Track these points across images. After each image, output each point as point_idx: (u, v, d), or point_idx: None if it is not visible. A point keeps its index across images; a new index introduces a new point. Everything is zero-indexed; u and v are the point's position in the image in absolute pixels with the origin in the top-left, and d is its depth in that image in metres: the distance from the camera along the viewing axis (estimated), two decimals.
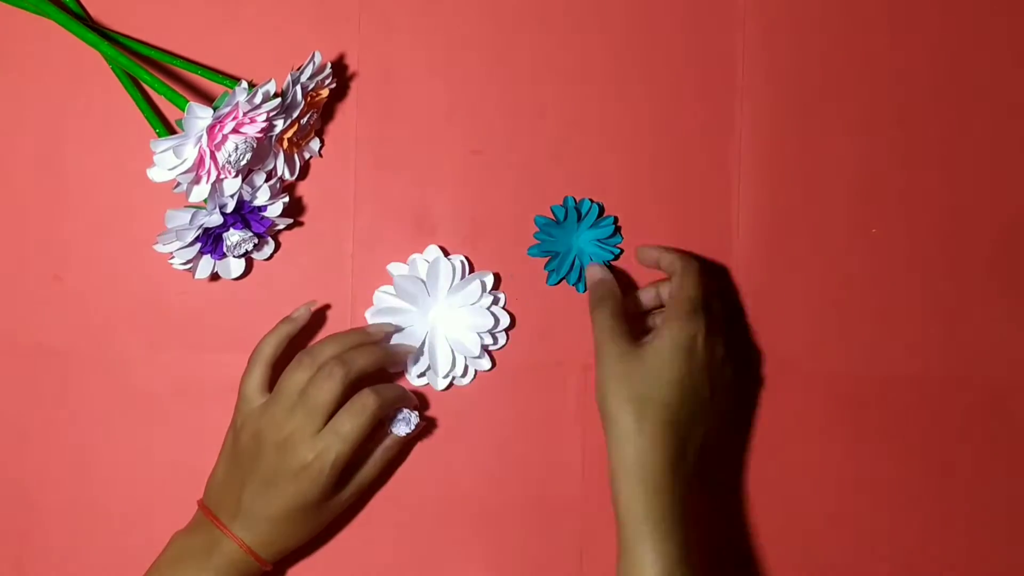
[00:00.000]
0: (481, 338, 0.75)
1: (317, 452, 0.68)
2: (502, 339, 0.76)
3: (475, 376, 0.76)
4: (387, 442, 0.73)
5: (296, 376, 0.70)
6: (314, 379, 0.69)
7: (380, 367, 0.72)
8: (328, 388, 0.69)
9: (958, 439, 0.77)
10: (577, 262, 0.75)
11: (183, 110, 0.65)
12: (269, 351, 0.72)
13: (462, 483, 0.76)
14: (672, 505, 0.65)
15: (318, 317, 0.76)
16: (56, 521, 0.76)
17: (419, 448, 0.76)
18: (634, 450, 0.66)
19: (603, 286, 0.73)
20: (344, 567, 0.76)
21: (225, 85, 0.71)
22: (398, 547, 0.76)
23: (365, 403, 0.69)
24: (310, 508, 0.69)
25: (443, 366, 0.74)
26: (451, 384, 0.75)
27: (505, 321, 0.75)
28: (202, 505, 0.71)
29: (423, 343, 0.74)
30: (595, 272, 0.74)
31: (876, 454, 0.77)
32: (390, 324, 0.74)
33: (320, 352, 0.71)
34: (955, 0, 0.78)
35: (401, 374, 0.75)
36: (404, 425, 0.72)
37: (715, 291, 0.73)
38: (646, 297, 0.75)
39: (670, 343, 0.67)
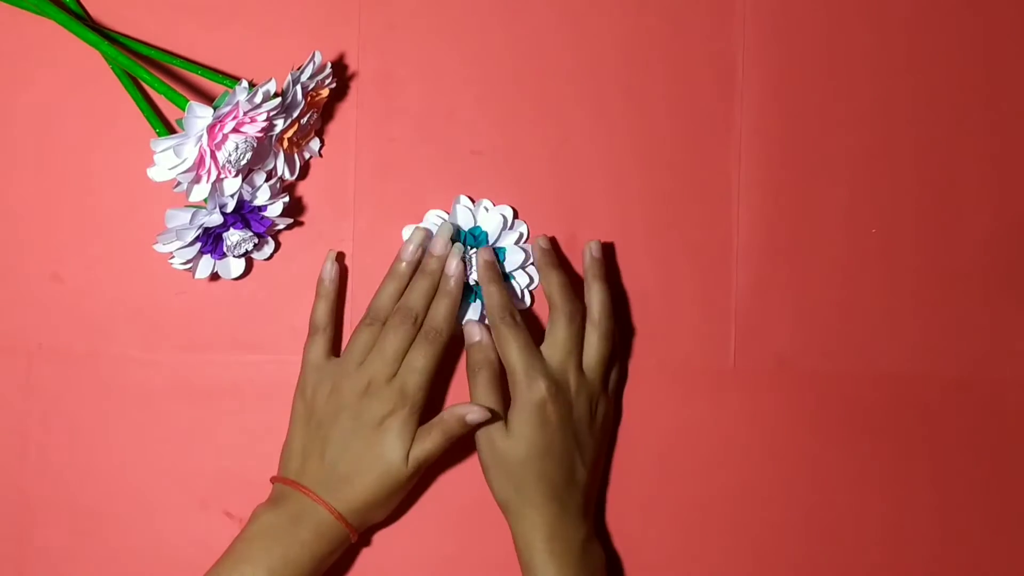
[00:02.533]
0: (516, 279, 0.75)
1: (397, 393, 0.69)
2: (536, 276, 0.76)
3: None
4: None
5: (362, 335, 0.71)
6: (383, 332, 0.70)
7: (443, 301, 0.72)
8: (398, 335, 0.70)
9: (958, 439, 0.77)
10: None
11: (183, 110, 0.65)
12: (322, 316, 0.73)
13: (460, 484, 0.76)
14: (581, 558, 0.70)
15: None
16: (55, 521, 0.75)
17: None
18: (530, 525, 0.69)
19: (480, 351, 0.72)
20: (345, 568, 0.75)
21: (225, 85, 0.71)
22: (398, 546, 0.76)
23: (432, 330, 0.70)
24: (396, 461, 0.69)
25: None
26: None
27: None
28: (279, 479, 0.71)
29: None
30: (472, 332, 0.73)
31: (875, 453, 0.77)
32: (436, 232, 0.74)
33: (380, 306, 0.72)
34: (955, 0, 0.78)
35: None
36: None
37: (576, 331, 0.72)
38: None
39: (520, 424, 0.69)
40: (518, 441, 0.69)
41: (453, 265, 0.72)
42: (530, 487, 0.69)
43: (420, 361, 0.70)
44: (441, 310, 0.71)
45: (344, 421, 0.69)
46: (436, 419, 0.70)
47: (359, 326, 0.72)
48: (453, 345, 0.73)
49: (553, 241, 0.75)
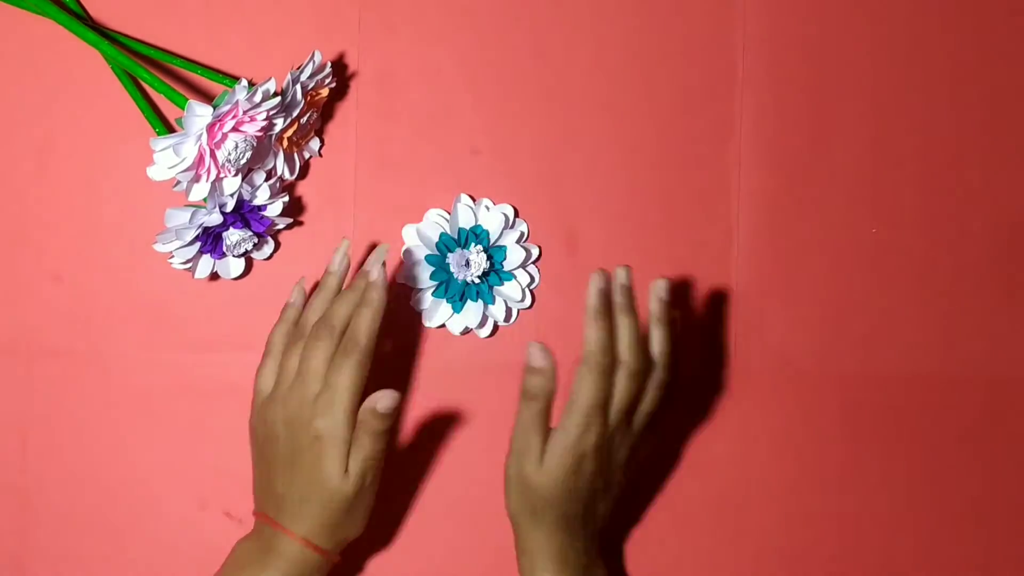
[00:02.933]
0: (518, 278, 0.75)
1: (321, 412, 0.66)
2: (537, 276, 0.76)
3: (517, 316, 0.76)
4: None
5: (292, 357, 0.69)
6: (304, 349, 0.68)
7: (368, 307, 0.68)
8: (317, 352, 0.67)
9: (959, 438, 0.77)
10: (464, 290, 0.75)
11: (183, 109, 0.65)
12: (277, 341, 0.71)
13: (460, 483, 0.76)
14: None
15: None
16: (56, 520, 0.75)
17: (418, 447, 0.76)
18: (538, 546, 0.68)
19: (540, 378, 0.66)
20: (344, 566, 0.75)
21: (225, 84, 0.71)
22: (400, 547, 0.76)
23: (352, 341, 0.66)
24: (336, 481, 0.66)
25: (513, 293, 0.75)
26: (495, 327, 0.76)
27: (535, 252, 0.75)
28: (254, 511, 0.70)
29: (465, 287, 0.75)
30: (536, 357, 0.66)
31: (875, 453, 0.77)
32: (374, 255, 0.70)
33: (305, 323, 0.70)
34: None
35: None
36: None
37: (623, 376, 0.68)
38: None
39: (557, 465, 0.66)
40: (549, 478, 0.66)
41: (375, 272, 0.68)
42: (547, 516, 0.67)
43: (341, 379, 0.66)
44: (361, 323, 0.66)
45: (281, 450, 0.68)
46: (357, 424, 0.66)
47: (288, 348, 0.69)
48: (390, 357, 0.72)
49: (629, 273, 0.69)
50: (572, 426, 0.66)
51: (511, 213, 0.75)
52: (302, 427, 0.67)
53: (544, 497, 0.67)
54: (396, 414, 0.66)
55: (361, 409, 0.66)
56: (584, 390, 0.65)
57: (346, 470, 0.67)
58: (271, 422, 0.68)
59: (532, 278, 0.76)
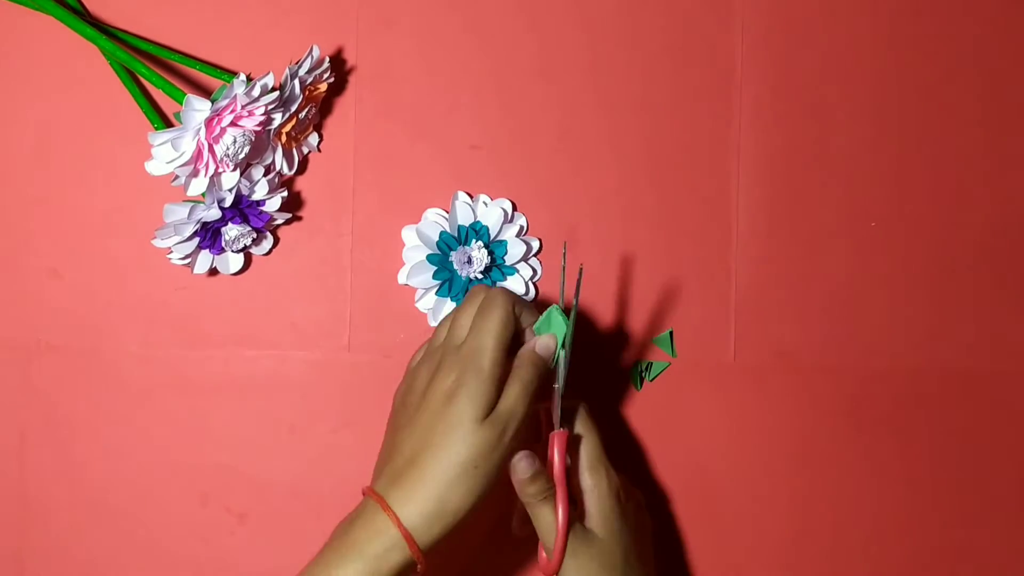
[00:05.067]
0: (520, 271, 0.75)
1: (465, 358, 0.63)
2: (539, 268, 0.76)
3: None
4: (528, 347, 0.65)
5: (439, 333, 0.67)
6: (453, 312, 0.67)
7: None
8: (464, 313, 0.65)
9: (958, 431, 0.77)
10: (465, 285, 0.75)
11: (181, 104, 0.65)
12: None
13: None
14: None
15: (315, 314, 0.76)
16: (55, 517, 0.75)
17: None
18: None
19: (534, 485, 0.65)
20: None
21: (223, 79, 0.71)
22: None
23: (493, 297, 0.65)
24: (467, 423, 0.61)
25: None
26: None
27: (536, 245, 0.75)
28: (364, 488, 0.64)
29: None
30: (523, 467, 0.65)
31: (875, 447, 0.77)
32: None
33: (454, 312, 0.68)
34: None
35: None
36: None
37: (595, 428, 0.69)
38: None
39: (611, 508, 0.66)
40: (606, 531, 0.66)
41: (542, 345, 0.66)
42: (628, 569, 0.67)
43: (490, 323, 0.63)
44: (500, 290, 0.66)
45: (411, 409, 0.64)
46: (512, 370, 0.64)
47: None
48: None
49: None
50: (601, 477, 0.67)
51: (510, 208, 0.75)
52: (439, 378, 0.63)
53: (611, 553, 0.66)
54: (551, 363, 0.65)
55: (517, 356, 0.64)
56: (590, 445, 0.68)
57: (480, 417, 0.62)
58: (412, 386, 0.65)
59: (534, 271, 0.76)
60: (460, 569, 0.75)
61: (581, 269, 0.66)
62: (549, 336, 0.65)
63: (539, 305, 0.76)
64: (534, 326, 0.66)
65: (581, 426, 0.68)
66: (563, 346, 0.65)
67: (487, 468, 0.62)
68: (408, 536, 0.60)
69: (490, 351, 0.63)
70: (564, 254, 0.68)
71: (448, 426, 0.61)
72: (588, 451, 0.68)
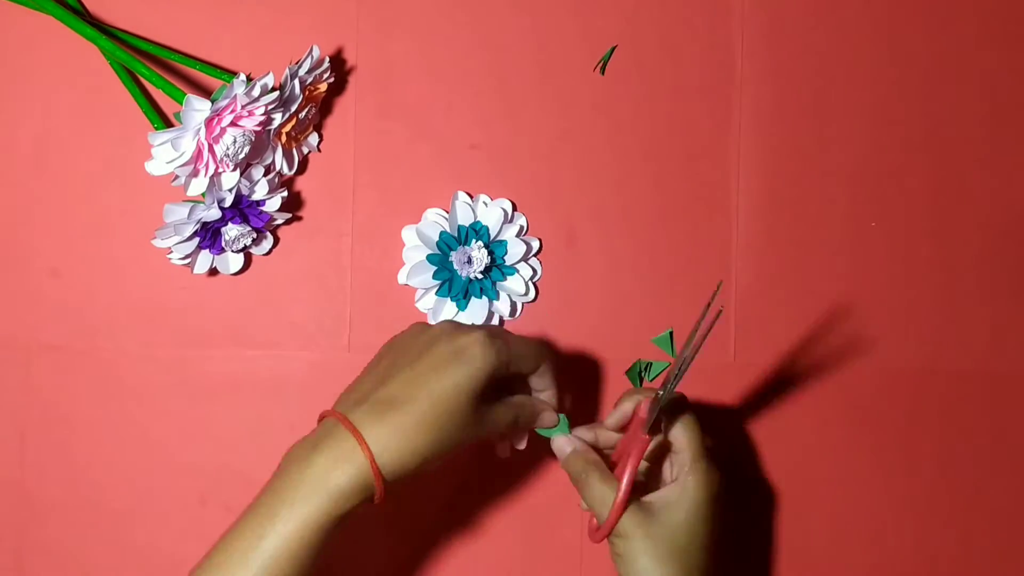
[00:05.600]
0: (520, 271, 0.75)
1: (490, 330, 0.63)
2: (539, 268, 0.76)
3: (522, 310, 0.76)
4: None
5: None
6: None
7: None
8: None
9: (959, 433, 0.77)
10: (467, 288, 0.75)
11: (181, 104, 0.65)
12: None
13: (478, 479, 0.76)
14: None
15: (315, 314, 0.76)
16: (55, 517, 0.75)
17: None
18: None
19: (578, 460, 0.66)
20: (340, 564, 0.75)
21: (223, 79, 0.71)
22: (397, 546, 0.76)
23: (537, 344, 0.66)
24: (461, 399, 0.61)
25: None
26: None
27: (536, 245, 0.75)
28: (324, 413, 0.63)
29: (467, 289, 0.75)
30: (563, 446, 0.66)
31: (876, 448, 0.77)
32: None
33: None
34: None
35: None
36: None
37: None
38: (612, 422, 0.68)
39: (703, 502, 0.64)
40: (689, 510, 0.64)
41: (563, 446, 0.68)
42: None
43: (531, 343, 0.65)
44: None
45: (415, 347, 0.63)
46: (516, 398, 0.65)
47: None
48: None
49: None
50: (705, 459, 0.65)
51: (509, 207, 0.75)
52: (461, 336, 0.62)
53: (687, 532, 0.64)
54: (524, 433, 0.68)
55: (533, 402, 0.66)
56: (695, 431, 0.65)
57: (485, 375, 0.61)
58: (423, 331, 0.64)
59: (534, 271, 0.76)
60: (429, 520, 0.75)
61: (720, 312, 0.62)
62: (555, 416, 0.67)
63: (543, 302, 0.76)
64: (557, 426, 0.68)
65: (688, 427, 0.65)
66: (681, 368, 0.63)
67: (459, 441, 0.61)
68: (377, 471, 0.59)
69: (509, 349, 0.63)
70: (716, 292, 0.64)
71: (448, 385, 0.61)
72: (694, 446, 0.65)
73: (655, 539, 0.63)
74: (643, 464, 0.68)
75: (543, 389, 0.67)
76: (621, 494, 0.63)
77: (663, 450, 0.67)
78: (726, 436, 0.77)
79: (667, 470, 0.67)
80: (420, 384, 0.61)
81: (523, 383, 0.68)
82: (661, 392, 0.63)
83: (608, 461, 0.67)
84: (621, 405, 0.67)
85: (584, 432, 0.68)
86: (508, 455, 0.70)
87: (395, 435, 0.59)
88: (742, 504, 0.77)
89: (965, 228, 0.78)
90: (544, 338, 0.73)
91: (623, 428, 0.67)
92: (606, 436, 0.68)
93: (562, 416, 0.68)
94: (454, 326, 0.64)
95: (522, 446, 0.70)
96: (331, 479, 0.58)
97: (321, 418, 0.63)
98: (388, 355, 0.64)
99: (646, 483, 0.68)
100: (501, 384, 0.65)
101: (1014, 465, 0.78)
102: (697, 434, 0.65)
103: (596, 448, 0.68)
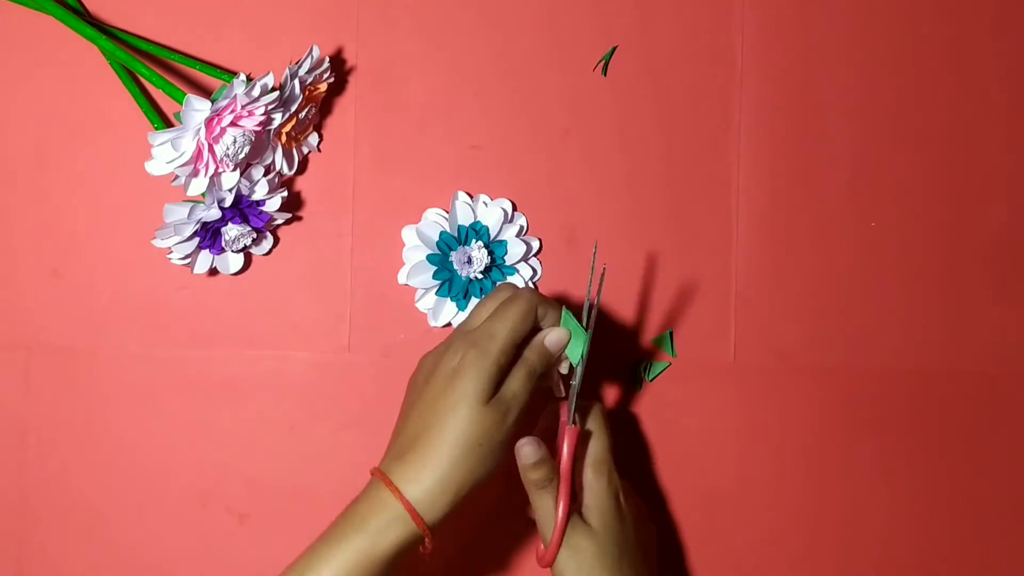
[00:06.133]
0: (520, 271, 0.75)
1: (474, 340, 0.63)
2: (539, 268, 0.76)
3: None
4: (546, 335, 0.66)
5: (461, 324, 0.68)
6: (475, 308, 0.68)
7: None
8: (484, 306, 0.66)
9: (958, 432, 0.77)
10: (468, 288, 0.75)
11: (181, 104, 0.65)
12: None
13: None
14: None
15: (315, 314, 0.76)
16: (55, 517, 0.75)
17: None
18: None
19: (538, 471, 0.66)
20: None
21: (223, 79, 0.71)
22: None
23: (520, 293, 0.66)
24: (471, 400, 0.62)
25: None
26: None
27: (536, 245, 0.75)
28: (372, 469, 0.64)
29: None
30: (529, 454, 0.65)
31: (876, 448, 0.77)
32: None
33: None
34: None
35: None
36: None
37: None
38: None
39: (611, 509, 0.67)
40: (603, 529, 0.66)
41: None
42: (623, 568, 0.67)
43: (509, 312, 0.64)
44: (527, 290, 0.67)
45: (419, 389, 0.64)
46: (520, 359, 0.65)
47: None
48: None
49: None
50: (602, 476, 0.67)
51: (509, 208, 0.75)
52: (447, 356, 0.64)
53: (606, 550, 0.66)
54: (558, 355, 0.66)
55: (532, 342, 0.65)
56: (598, 442, 0.68)
57: (485, 395, 0.62)
58: (422, 367, 0.66)
59: (534, 271, 0.76)
60: (463, 544, 0.75)
61: (604, 270, 0.66)
62: (562, 330, 0.66)
63: None
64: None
65: (593, 424, 0.69)
66: (583, 346, 0.66)
67: (491, 447, 0.62)
68: (412, 510, 0.61)
69: (500, 338, 0.64)
70: (595, 253, 0.68)
71: (451, 404, 0.62)
72: (596, 449, 0.68)
73: (586, 559, 0.66)
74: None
75: (552, 324, 0.67)
76: (559, 519, 0.65)
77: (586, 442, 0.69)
78: (726, 436, 0.77)
79: (587, 467, 0.68)
80: (427, 417, 0.63)
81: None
82: (574, 382, 0.66)
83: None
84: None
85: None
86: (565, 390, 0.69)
87: (419, 472, 0.62)
88: (742, 505, 0.77)
89: (965, 228, 0.78)
90: (528, 290, 0.69)
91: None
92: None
93: (564, 313, 0.66)
94: (442, 351, 0.65)
95: (575, 378, 0.67)
96: (370, 523, 0.61)
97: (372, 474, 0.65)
98: (406, 400, 0.66)
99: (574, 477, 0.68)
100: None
101: (1014, 465, 0.77)
102: (601, 432, 0.67)
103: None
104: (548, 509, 0.66)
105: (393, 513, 0.61)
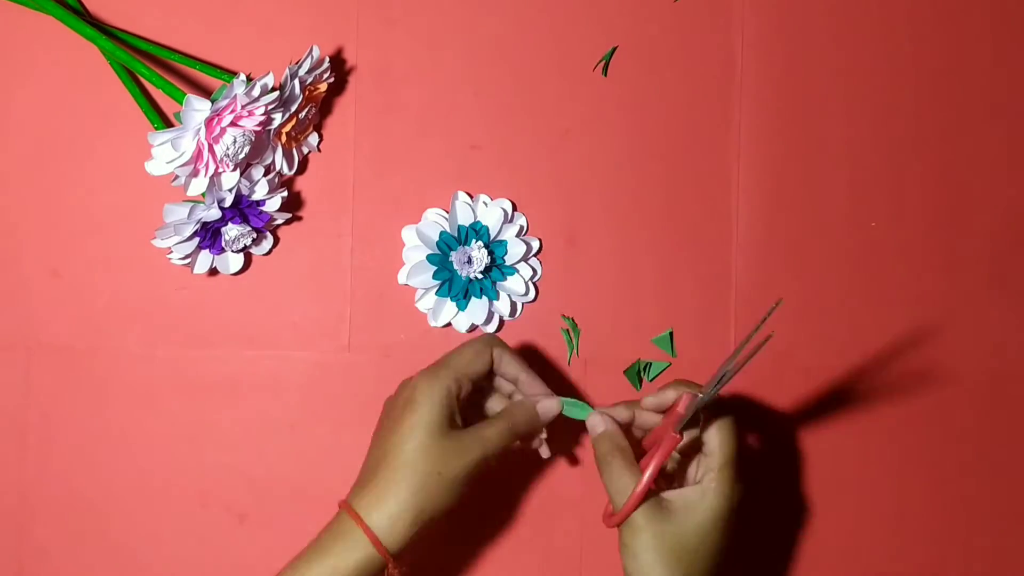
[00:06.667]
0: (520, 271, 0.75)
1: (426, 373, 0.65)
2: (539, 268, 0.76)
3: (522, 310, 0.76)
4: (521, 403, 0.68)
5: None
6: None
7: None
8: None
9: (959, 432, 0.77)
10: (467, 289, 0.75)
11: (181, 104, 0.65)
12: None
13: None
14: None
15: (315, 314, 0.76)
16: (55, 517, 0.75)
17: None
18: None
19: (608, 440, 0.66)
20: None
21: (223, 80, 0.71)
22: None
23: (477, 336, 0.68)
24: (426, 439, 0.63)
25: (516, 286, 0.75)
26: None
27: (536, 245, 0.76)
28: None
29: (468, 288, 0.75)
30: (596, 424, 0.67)
31: (875, 447, 0.77)
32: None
33: None
34: None
35: None
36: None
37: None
38: (650, 403, 0.68)
39: (721, 511, 0.64)
40: (704, 518, 0.64)
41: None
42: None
43: (461, 350, 0.66)
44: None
45: (382, 414, 0.67)
46: (506, 407, 0.67)
47: None
48: None
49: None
50: (732, 472, 0.64)
51: (509, 207, 0.75)
52: (404, 388, 0.66)
53: (698, 540, 0.64)
54: (543, 424, 0.68)
55: (523, 402, 0.67)
56: (729, 439, 0.65)
57: (444, 429, 0.64)
58: (386, 406, 0.68)
59: (534, 271, 0.76)
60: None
61: (770, 337, 0.62)
62: (556, 402, 0.67)
63: (543, 303, 0.76)
64: (563, 400, 0.68)
65: (724, 429, 0.65)
66: (585, 414, 0.68)
67: (451, 477, 0.63)
68: (372, 536, 0.62)
69: (452, 367, 0.65)
70: (773, 309, 0.62)
71: (405, 432, 0.64)
72: (725, 451, 0.65)
73: (664, 537, 0.63)
74: (675, 456, 0.68)
75: (515, 375, 0.68)
76: (641, 486, 0.63)
77: (695, 449, 0.67)
78: None
79: (693, 469, 0.67)
80: (385, 447, 0.64)
81: (501, 390, 0.70)
82: (702, 393, 0.63)
83: (639, 445, 0.67)
84: (665, 391, 0.67)
85: (622, 411, 0.68)
86: (548, 454, 0.70)
87: (381, 505, 0.63)
88: (742, 503, 0.77)
89: (965, 228, 0.78)
90: (489, 334, 0.72)
91: (662, 411, 0.67)
92: (643, 417, 0.68)
93: (569, 400, 0.68)
94: (403, 384, 0.67)
95: (545, 453, 0.70)
96: (331, 548, 0.63)
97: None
98: (374, 433, 0.68)
99: (672, 476, 0.68)
100: (478, 400, 0.68)
101: (1014, 465, 0.77)
102: (732, 440, 0.65)
103: (630, 427, 0.68)
104: (618, 478, 0.64)
105: (354, 539, 0.62)
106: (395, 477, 0.63)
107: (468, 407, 0.67)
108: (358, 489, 0.64)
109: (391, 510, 0.63)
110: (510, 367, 0.68)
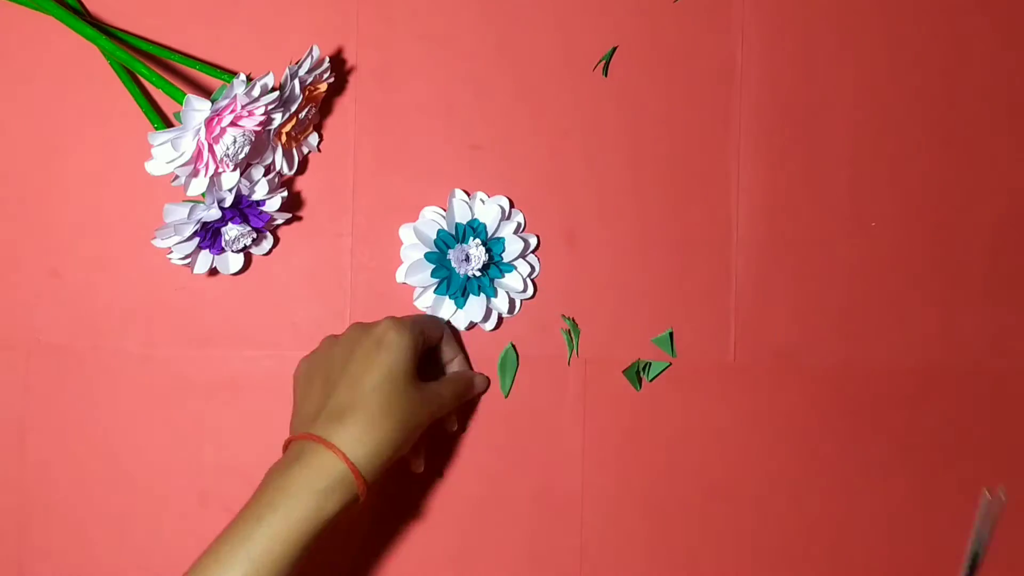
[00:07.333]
0: (518, 268, 0.75)
1: (398, 327, 0.67)
2: (537, 265, 0.76)
3: (520, 307, 0.76)
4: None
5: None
6: None
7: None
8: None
9: (958, 432, 0.77)
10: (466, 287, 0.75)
11: (181, 104, 0.65)
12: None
13: (461, 479, 0.76)
14: None
15: (315, 314, 0.76)
16: (55, 517, 0.75)
17: (427, 442, 0.76)
18: None
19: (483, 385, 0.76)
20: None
21: (223, 80, 0.71)
22: (397, 542, 0.76)
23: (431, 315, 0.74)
24: (400, 381, 0.66)
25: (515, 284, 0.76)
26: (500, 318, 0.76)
27: (533, 242, 0.76)
28: (288, 440, 0.66)
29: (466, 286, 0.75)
30: (480, 383, 0.76)
31: (876, 447, 0.77)
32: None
33: None
34: None
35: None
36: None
37: None
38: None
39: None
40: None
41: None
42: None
43: (420, 314, 0.73)
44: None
45: (343, 352, 0.67)
46: (450, 374, 0.73)
47: None
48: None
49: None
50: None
51: (507, 204, 0.75)
52: (372, 327, 0.68)
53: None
54: (474, 395, 0.75)
55: (464, 372, 0.75)
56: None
57: (411, 357, 0.67)
58: (324, 350, 0.69)
59: (532, 268, 0.76)
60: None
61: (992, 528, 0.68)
62: (483, 378, 0.76)
63: (542, 302, 0.76)
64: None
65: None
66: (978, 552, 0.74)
67: (416, 424, 0.66)
68: (356, 470, 0.62)
69: (418, 325, 0.69)
70: (1003, 499, 0.71)
71: (384, 373, 0.65)
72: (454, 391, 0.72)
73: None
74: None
75: (454, 356, 0.74)
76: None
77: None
78: (726, 436, 0.77)
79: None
80: (361, 383, 0.65)
81: (436, 364, 0.74)
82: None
83: None
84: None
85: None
86: (455, 428, 0.75)
87: (361, 434, 0.63)
88: (742, 505, 0.77)
89: (965, 228, 0.78)
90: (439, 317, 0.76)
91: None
92: None
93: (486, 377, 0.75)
94: (361, 325, 0.69)
95: (454, 427, 0.75)
96: (314, 485, 0.62)
97: (285, 446, 0.66)
98: (317, 374, 0.68)
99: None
100: (422, 364, 0.71)
101: (1014, 465, 0.77)
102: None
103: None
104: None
105: (338, 475, 0.62)
106: (379, 415, 0.64)
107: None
108: (331, 423, 0.64)
109: (374, 447, 0.63)
110: (451, 348, 0.74)
